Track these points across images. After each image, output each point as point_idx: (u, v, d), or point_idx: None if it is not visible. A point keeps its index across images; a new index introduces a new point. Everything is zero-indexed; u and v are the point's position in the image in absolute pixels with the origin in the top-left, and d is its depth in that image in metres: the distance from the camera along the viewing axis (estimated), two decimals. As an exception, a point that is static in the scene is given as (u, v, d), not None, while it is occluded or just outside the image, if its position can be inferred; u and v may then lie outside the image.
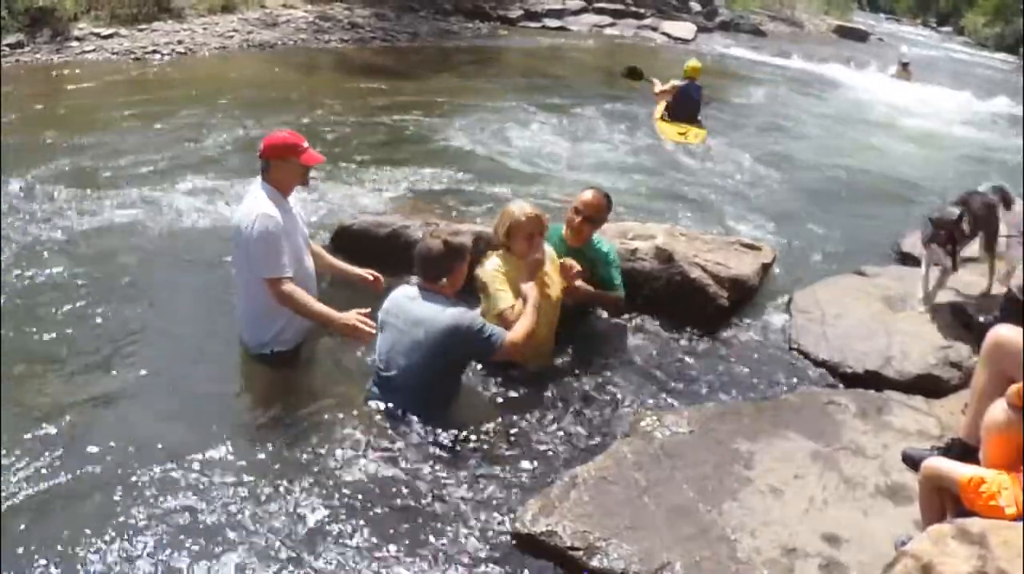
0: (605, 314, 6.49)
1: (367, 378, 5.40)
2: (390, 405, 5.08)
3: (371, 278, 6.01)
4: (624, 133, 14.27)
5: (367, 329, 5.20)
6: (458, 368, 5.24)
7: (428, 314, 4.99)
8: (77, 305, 6.30)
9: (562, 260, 5.87)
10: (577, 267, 5.82)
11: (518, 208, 5.72)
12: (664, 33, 29.81)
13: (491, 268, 5.63)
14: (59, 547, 4.01)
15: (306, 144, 5.66)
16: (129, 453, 4.67)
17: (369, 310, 5.35)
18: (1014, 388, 3.91)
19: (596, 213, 6.12)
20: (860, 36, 38.74)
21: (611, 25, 30.09)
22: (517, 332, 5.18)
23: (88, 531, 4.10)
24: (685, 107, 14.05)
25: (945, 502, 3.96)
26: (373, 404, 5.16)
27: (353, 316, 5.31)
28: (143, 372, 5.54)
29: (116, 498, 4.34)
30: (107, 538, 4.07)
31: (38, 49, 16.59)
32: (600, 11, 30.99)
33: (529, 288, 5.45)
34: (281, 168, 5.58)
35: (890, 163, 14.24)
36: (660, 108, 14.47)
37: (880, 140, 16.29)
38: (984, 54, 41.41)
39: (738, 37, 31.92)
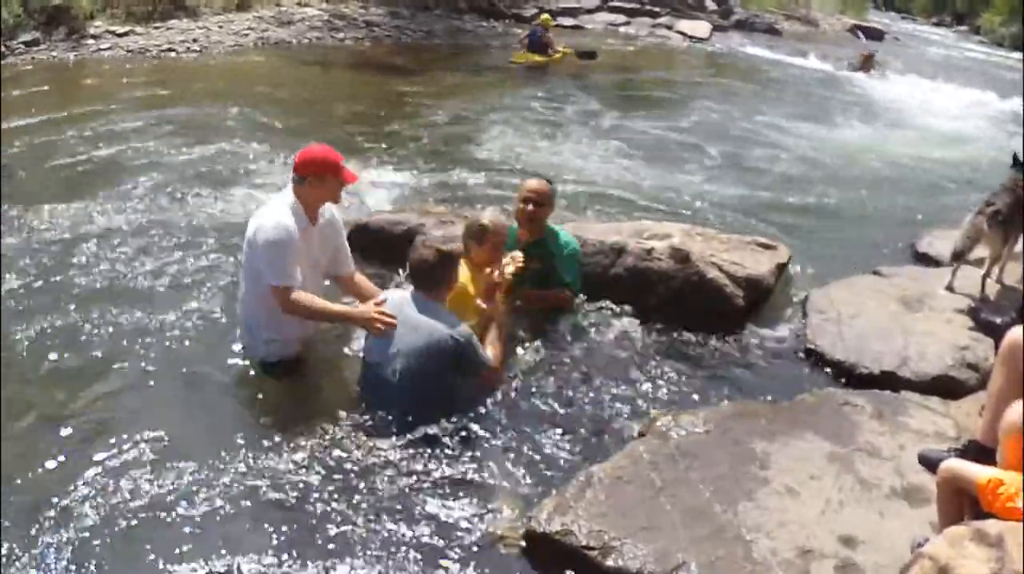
0: (617, 313, 6.50)
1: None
2: (392, 407, 5.07)
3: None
4: (636, 131, 14.33)
5: (388, 319, 5.14)
6: (455, 376, 5.20)
7: (426, 322, 5.03)
8: (83, 303, 6.35)
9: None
10: (519, 257, 5.89)
11: (494, 216, 5.87)
12: (679, 32, 29.77)
13: (462, 278, 5.56)
14: (57, 545, 4.05)
15: (344, 162, 5.58)
16: (123, 450, 4.71)
17: (384, 300, 5.31)
18: (1031, 391, 3.90)
19: (542, 198, 6.24)
20: (876, 35, 38.59)
21: (626, 24, 30.11)
22: (503, 365, 5.43)
23: (81, 530, 4.14)
24: (535, 44, 20.71)
25: (963, 504, 3.94)
26: (374, 406, 5.15)
27: (371, 308, 5.25)
28: (145, 373, 5.56)
29: (114, 497, 4.37)
30: (102, 537, 4.11)
31: (54, 47, 16.71)
32: (615, 10, 30.99)
33: (494, 313, 5.60)
34: (316, 185, 5.47)
35: (906, 162, 14.18)
36: (522, 46, 21.14)
37: (895, 139, 16.23)
38: (1001, 53, 41.19)
39: (753, 36, 31.82)
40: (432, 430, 4.91)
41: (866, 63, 25.18)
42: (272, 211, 5.45)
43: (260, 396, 5.40)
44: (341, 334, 5.99)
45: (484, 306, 5.57)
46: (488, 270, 5.69)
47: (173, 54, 17.70)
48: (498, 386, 5.37)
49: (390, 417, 5.03)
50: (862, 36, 36.06)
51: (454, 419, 4.99)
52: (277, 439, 4.88)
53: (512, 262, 5.78)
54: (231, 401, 5.38)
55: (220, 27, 20.04)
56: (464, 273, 5.57)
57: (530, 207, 6.18)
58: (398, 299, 5.25)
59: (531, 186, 6.26)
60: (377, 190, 9.53)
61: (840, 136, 16.00)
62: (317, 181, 5.47)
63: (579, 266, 6.46)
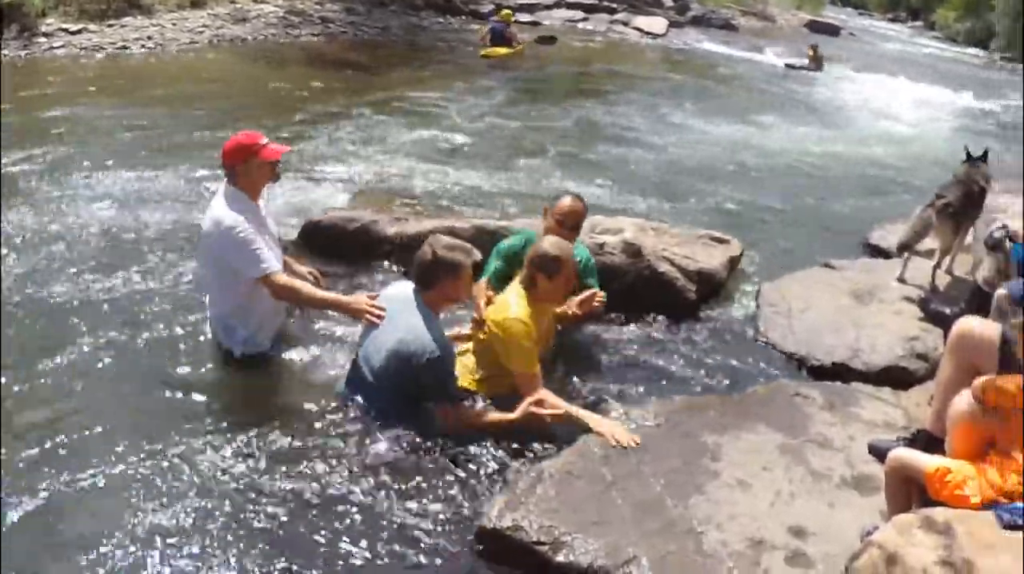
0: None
1: (338, 371, 5.43)
2: (360, 400, 5.06)
3: (312, 278, 5.97)
4: (591, 127, 14.46)
5: (378, 311, 5.11)
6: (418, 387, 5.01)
7: (407, 324, 4.89)
8: (41, 305, 6.20)
9: (591, 293, 5.68)
10: (602, 295, 5.68)
11: (557, 241, 5.32)
12: (636, 28, 29.95)
13: (519, 318, 5.07)
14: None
15: (264, 140, 5.56)
16: (93, 453, 4.62)
17: (377, 294, 5.29)
18: (979, 381, 3.92)
19: (579, 220, 5.98)
20: (832, 30, 38.97)
21: (583, 20, 30.25)
22: (467, 420, 4.94)
23: (57, 531, 4.08)
24: (498, 37, 21.94)
25: (911, 492, 3.97)
26: (343, 399, 5.14)
27: (364, 299, 5.25)
28: (111, 370, 5.44)
29: (83, 496, 4.31)
30: (69, 539, 4.05)
31: (5, 45, 16.40)
32: (572, 6, 31.10)
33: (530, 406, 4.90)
34: (245, 171, 5.50)
35: (858, 156, 14.32)
36: (484, 42, 22.09)
37: (848, 133, 16.39)
38: (955, 49, 41.72)
39: (710, 32, 32.07)
40: (390, 428, 4.87)
41: (816, 57, 25.41)
42: (219, 211, 5.45)
43: (233, 392, 5.37)
44: (311, 325, 6.06)
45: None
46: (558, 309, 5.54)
47: (127, 52, 17.49)
48: (447, 429, 4.91)
49: (361, 412, 5.02)
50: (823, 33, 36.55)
51: (410, 417, 4.91)
52: (243, 437, 4.82)
53: (598, 298, 5.64)
54: (204, 398, 5.26)
55: (174, 24, 19.80)
56: (524, 309, 5.13)
57: (567, 232, 5.73)
58: (395, 293, 5.18)
59: (566, 208, 5.88)
60: (331, 187, 9.52)
61: (792, 129, 16.12)
62: (244, 168, 5.50)
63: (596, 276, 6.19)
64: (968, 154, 7.74)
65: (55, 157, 9.86)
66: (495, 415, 4.97)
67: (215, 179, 8.96)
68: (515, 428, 4.92)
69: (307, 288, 5.57)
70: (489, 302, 5.42)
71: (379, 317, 5.06)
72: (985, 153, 7.74)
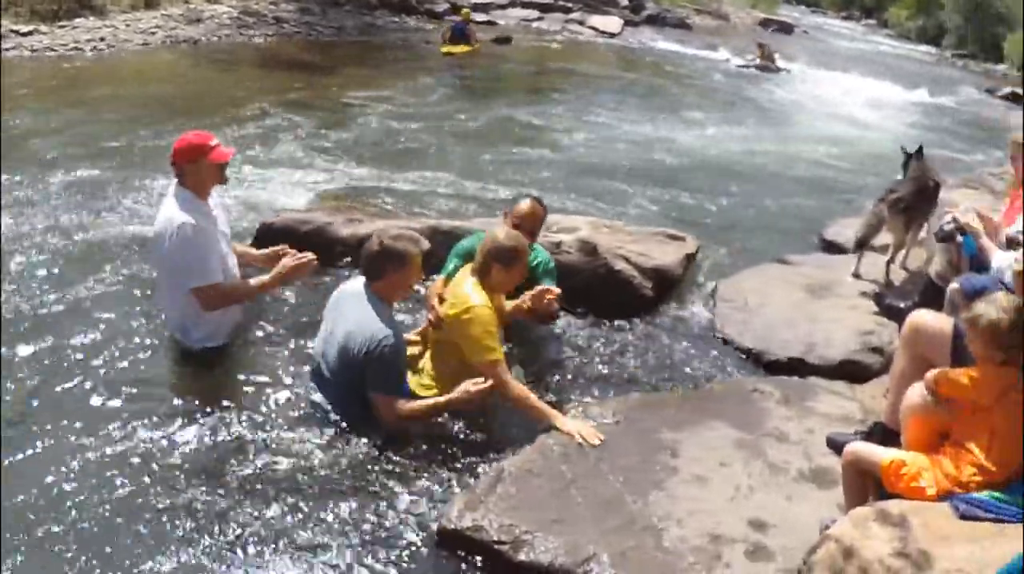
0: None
1: (297, 368, 5.43)
2: (319, 397, 5.09)
3: (278, 254, 5.92)
4: (542, 127, 14.50)
5: (304, 261, 5.25)
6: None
7: (358, 317, 4.90)
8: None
9: (543, 288, 5.55)
10: (556, 292, 5.56)
11: (511, 232, 5.32)
12: (591, 27, 30.02)
13: (484, 304, 5.03)
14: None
15: (214, 141, 5.56)
16: (55, 448, 4.59)
17: (295, 250, 5.45)
18: (931, 373, 3.96)
19: (537, 224, 5.98)
20: (785, 29, 39.27)
21: (538, 19, 30.25)
22: (407, 413, 4.89)
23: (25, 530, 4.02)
24: (458, 35, 22.59)
25: (868, 485, 4.00)
26: (303, 396, 5.15)
27: (286, 261, 5.41)
28: (63, 373, 5.32)
29: (48, 496, 4.26)
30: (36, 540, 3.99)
31: (-45, 50, 16.22)
32: (527, 5, 31.08)
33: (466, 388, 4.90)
34: (194, 172, 5.49)
35: (812, 153, 14.43)
36: (445, 39, 22.57)
37: (801, 131, 16.50)
38: (908, 46, 42.19)
39: (664, 31, 32.22)
40: (349, 427, 4.87)
41: (765, 56, 25.53)
42: (172, 212, 5.43)
43: (192, 389, 5.28)
44: (270, 315, 6.09)
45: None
46: (520, 303, 5.51)
47: (79, 53, 17.26)
48: (386, 423, 4.90)
49: (320, 409, 5.03)
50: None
51: (369, 417, 4.90)
52: (202, 435, 4.80)
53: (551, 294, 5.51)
54: (162, 396, 5.20)
55: (127, 25, 19.60)
56: (483, 296, 5.09)
57: (524, 234, 5.49)
58: (348, 288, 5.18)
59: (524, 211, 5.87)
60: (284, 189, 9.49)
61: (747, 125, 16.22)
62: (193, 168, 5.49)
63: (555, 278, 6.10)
64: (906, 152, 7.80)
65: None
66: (431, 400, 4.96)
67: (156, 180, 8.94)
68: (452, 408, 4.95)
69: (234, 291, 5.61)
70: (441, 300, 5.38)
71: (302, 265, 5.37)
72: (919, 149, 7.79)
